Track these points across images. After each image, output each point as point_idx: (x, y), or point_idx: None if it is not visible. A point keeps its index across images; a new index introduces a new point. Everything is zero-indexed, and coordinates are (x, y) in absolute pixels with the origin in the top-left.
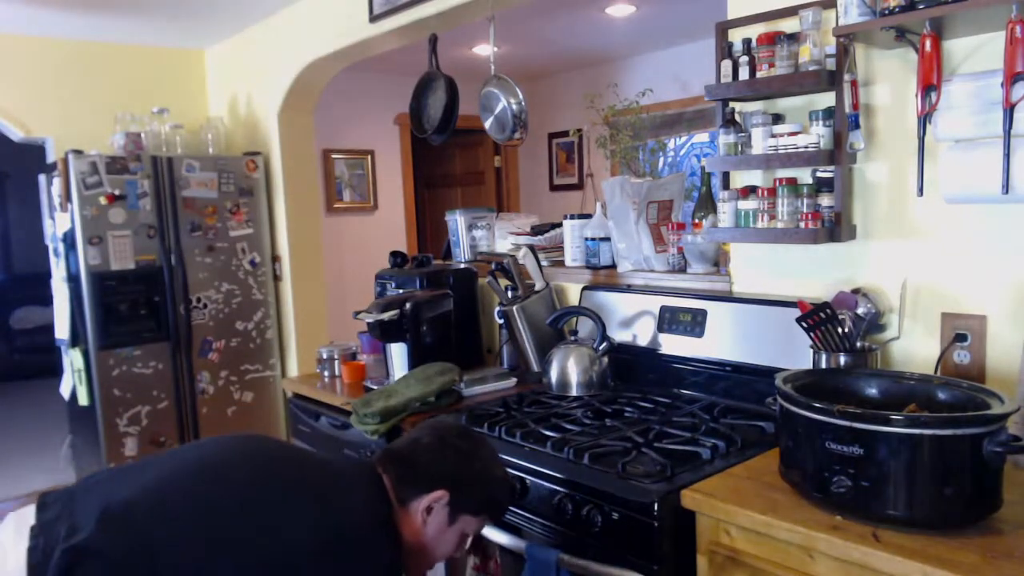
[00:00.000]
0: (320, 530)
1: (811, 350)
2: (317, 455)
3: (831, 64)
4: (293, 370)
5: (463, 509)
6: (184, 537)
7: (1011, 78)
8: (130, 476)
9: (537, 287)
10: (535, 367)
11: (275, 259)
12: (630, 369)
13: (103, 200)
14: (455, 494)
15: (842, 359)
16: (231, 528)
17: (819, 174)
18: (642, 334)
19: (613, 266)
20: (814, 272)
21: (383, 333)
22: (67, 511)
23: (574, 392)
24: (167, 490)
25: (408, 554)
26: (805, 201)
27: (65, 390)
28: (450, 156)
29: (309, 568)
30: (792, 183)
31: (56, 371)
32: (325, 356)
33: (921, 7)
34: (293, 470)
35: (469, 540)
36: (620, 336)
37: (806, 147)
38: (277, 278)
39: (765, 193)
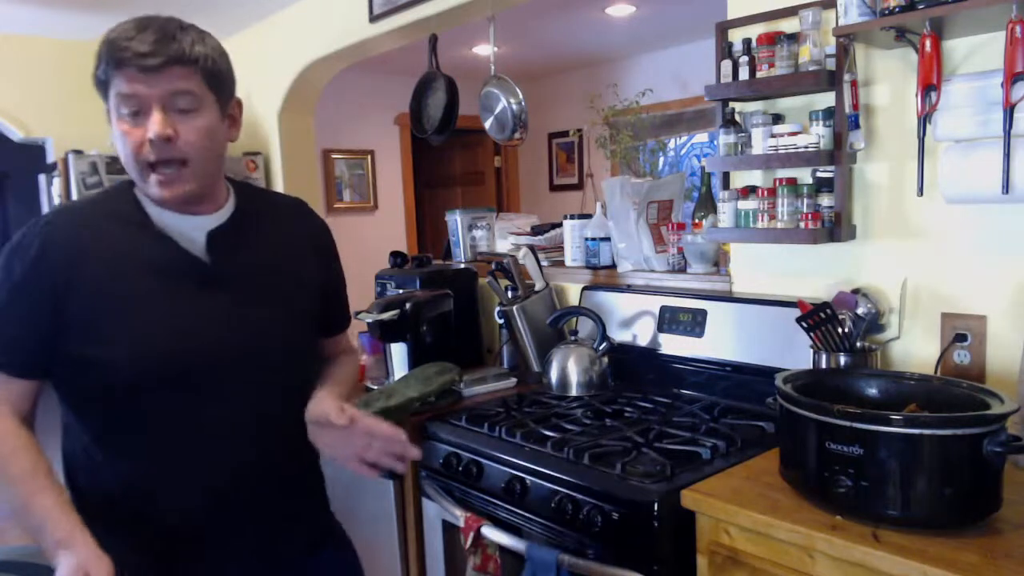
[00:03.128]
0: None
1: (811, 350)
2: None
3: (831, 64)
4: None
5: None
6: None
7: (1011, 78)
8: None
9: (537, 287)
10: (535, 367)
11: None
12: (630, 369)
13: None
14: (222, 95)
15: (842, 359)
16: None
17: (819, 174)
18: (642, 334)
19: (613, 266)
20: (814, 272)
21: (383, 333)
22: None
23: (574, 392)
24: None
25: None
26: (805, 201)
27: None
28: (450, 156)
29: None
30: (792, 183)
31: None
32: None
33: (921, 7)
34: None
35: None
36: (620, 336)
37: (806, 147)
38: None
39: (765, 193)
